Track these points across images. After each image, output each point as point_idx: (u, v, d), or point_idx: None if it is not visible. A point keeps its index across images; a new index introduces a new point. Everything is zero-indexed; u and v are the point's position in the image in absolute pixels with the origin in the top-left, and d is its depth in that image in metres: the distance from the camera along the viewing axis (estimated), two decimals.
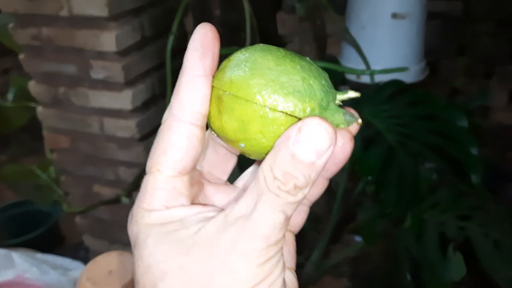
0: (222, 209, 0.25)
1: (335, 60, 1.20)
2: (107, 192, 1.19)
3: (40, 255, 0.87)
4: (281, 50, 0.25)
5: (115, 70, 1.00)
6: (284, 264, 0.24)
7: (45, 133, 1.18)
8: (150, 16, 1.06)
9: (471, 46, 1.80)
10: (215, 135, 0.26)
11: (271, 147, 0.23)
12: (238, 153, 0.30)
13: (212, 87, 0.25)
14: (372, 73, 1.09)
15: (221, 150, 0.29)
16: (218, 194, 0.28)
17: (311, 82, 0.24)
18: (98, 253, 1.33)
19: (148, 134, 1.11)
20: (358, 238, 1.34)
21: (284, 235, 0.23)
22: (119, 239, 1.29)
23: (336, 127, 0.24)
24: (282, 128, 0.23)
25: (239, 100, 0.23)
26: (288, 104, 0.23)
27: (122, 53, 1.00)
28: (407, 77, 1.12)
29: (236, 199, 0.24)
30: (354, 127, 0.26)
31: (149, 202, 0.25)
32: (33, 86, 1.11)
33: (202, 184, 0.28)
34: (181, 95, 0.25)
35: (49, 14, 0.99)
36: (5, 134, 1.79)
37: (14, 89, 1.30)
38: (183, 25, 1.17)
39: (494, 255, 0.92)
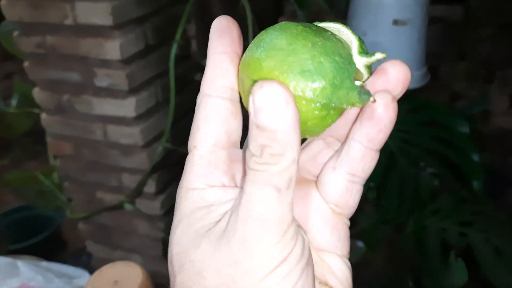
0: None
1: None
2: (110, 198, 1.19)
3: (44, 263, 0.88)
4: (300, 26, 0.24)
5: (119, 78, 1.01)
6: (308, 247, 0.23)
7: (48, 139, 1.19)
8: (153, 25, 1.06)
9: (472, 50, 1.81)
10: None
11: None
12: None
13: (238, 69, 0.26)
14: None
15: None
16: None
17: (322, 59, 0.22)
18: (100, 259, 1.34)
19: (151, 141, 1.12)
20: (360, 244, 1.34)
21: (291, 212, 0.22)
22: (122, 245, 1.29)
23: (352, 106, 0.23)
24: None
25: (254, 83, 0.22)
26: (296, 84, 0.22)
27: (126, 61, 1.01)
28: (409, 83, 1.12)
29: None
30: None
31: (188, 180, 0.25)
32: (37, 93, 1.12)
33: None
34: (206, 73, 0.25)
35: (53, 23, 1.00)
36: (8, 139, 1.79)
37: (18, 95, 1.31)
38: (186, 32, 1.18)
39: (496, 262, 0.93)
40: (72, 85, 1.07)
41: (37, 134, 1.32)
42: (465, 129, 0.95)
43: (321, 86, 0.22)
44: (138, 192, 1.15)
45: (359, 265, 1.31)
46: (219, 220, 0.23)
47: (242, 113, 0.26)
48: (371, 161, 0.26)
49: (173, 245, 0.24)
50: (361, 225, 1.07)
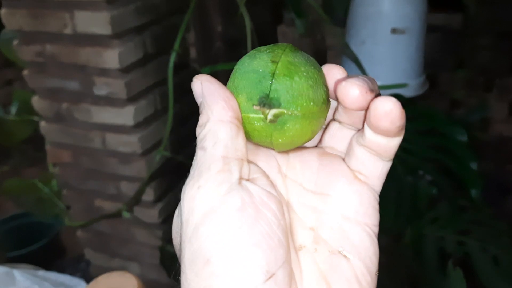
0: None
1: None
2: (109, 206, 1.20)
3: (41, 272, 0.88)
4: (253, 51, 0.28)
5: (117, 87, 1.02)
6: (268, 204, 0.24)
7: (47, 147, 1.19)
8: (152, 34, 1.07)
9: (471, 58, 1.81)
10: None
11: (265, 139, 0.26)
12: None
13: None
14: None
15: None
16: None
17: (241, 78, 0.26)
18: (99, 266, 1.34)
19: (150, 149, 1.12)
20: None
21: (219, 163, 0.24)
22: (120, 253, 1.29)
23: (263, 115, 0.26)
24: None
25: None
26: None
27: (125, 70, 1.01)
28: (407, 92, 1.13)
29: None
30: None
31: None
32: (36, 102, 1.13)
33: None
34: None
35: (53, 32, 1.01)
36: (8, 146, 1.80)
37: (18, 102, 1.31)
38: (185, 41, 1.18)
39: (493, 271, 0.92)
40: (71, 93, 1.08)
41: (36, 141, 1.33)
42: (463, 137, 0.95)
43: (242, 99, 0.26)
44: (136, 200, 1.16)
45: None
46: None
47: None
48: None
49: None
50: None
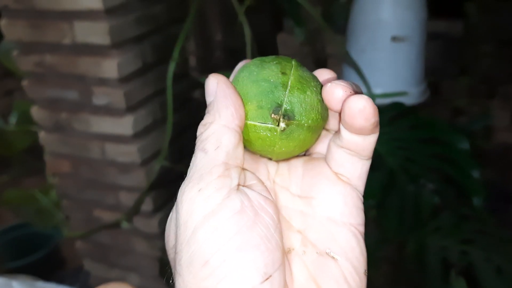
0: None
1: None
2: (108, 216, 1.19)
3: (40, 283, 0.87)
4: (256, 60, 0.28)
5: (116, 96, 1.01)
6: (264, 208, 0.25)
7: (47, 157, 1.19)
8: (151, 43, 1.07)
9: (473, 66, 1.81)
10: None
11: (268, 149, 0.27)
12: None
13: None
14: (372, 97, 1.09)
15: None
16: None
17: (251, 86, 0.27)
18: (98, 277, 1.33)
19: (149, 159, 1.11)
20: None
21: (220, 168, 0.24)
22: (119, 263, 1.28)
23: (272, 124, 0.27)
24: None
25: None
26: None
27: (124, 79, 1.01)
28: (408, 99, 1.12)
29: None
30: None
31: None
32: (35, 112, 1.12)
33: None
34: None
35: (52, 42, 1.01)
36: (7, 156, 1.80)
37: (17, 113, 1.31)
38: (184, 50, 1.18)
39: (496, 280, 0.91)
40: (70, 103, 1.07)
41: (36, 151, 1.33)
42: (465, 145, 0.95)
43: (251, 107, 0.26)
44: (135, 210, 1.15)
45: None
46: None
47: None
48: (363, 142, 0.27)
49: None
50: None
